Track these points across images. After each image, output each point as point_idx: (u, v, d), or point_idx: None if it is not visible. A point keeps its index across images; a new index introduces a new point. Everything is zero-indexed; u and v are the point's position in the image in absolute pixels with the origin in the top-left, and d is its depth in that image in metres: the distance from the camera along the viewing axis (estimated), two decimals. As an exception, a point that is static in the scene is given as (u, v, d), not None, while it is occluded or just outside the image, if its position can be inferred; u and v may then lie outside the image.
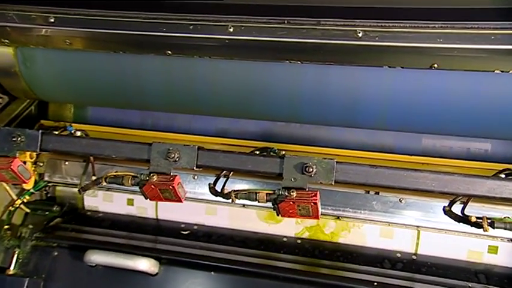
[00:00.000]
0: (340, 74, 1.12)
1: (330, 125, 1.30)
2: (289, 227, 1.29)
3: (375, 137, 1.32)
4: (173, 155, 1.02)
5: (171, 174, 1.04)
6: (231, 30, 1.06)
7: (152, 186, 1.03)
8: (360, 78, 1.12)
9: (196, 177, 1.31)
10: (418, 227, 1.28)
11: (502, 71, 1.04)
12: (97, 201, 1.39)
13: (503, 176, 0.95)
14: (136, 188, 1.05)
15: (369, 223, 1.30)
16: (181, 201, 1.04)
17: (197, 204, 1.34)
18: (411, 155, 1.30)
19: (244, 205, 1.33)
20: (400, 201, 1.30)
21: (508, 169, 0.96)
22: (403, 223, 1.28)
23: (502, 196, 0.88)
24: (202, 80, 1.17)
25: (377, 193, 1.30)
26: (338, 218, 1.31)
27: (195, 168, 1.04)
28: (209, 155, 1.04)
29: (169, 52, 1.14)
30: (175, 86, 1.19)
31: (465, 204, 0.96)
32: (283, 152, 1.05)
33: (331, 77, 1.13)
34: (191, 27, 1.07)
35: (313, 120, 1.25)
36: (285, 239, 1.28)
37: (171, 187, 1.01)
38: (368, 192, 1.29)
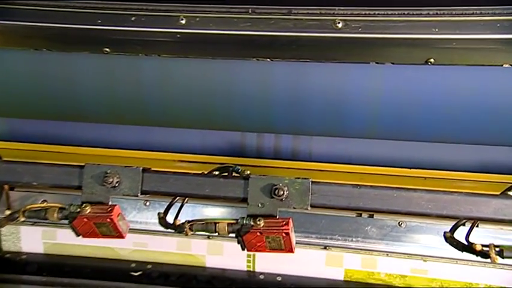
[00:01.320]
0: (319, 73, 1.12)
1: (310, 134, 1.30)
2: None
3: (365, 148, 1.32)
4: (111, 180, 0.98)
5: (109, 203, 1.00)
6: (183, 22, 1.05)
7: (85, 220, 0.98)
8: (342, 77, 1.12)
9: (148, 203, 1.31)
10: (423, 256, 1.28)
11: (511, 65, 1.05)
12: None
13: (511, 193, 0.93)
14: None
15: (363, 253, 1.30)
16: (122, 237, 1.00)
17: (151, 238, 1.33)
18: (408, 167, 1.30)
19: (209, 236, 1.32)
20: (400, 225, 1.30)
21: (515, 185, 0.96)
22: (404, 252, 1.28)
23: (510, 218, 0.87)
24: (150, 83, 1.15)
25: (371, 216, 1.30)
26: (325, 248, 1.31)
27: (139, 195, 1.00)
28: (157, 178, 1.00)
29: (108, 50, 1.11)
30: (116, 91, 1.16)
31: (470, 228, 0.95)
32: (248, 172, 1.02)
33: (308, 77, 1.12)
34: (133, 18, 1.05)
35: (289, 129, 1.23)
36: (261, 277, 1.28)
37: (108, 220, 0.98)
38: (360, 215, 1.31)
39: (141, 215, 1.30)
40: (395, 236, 1.27)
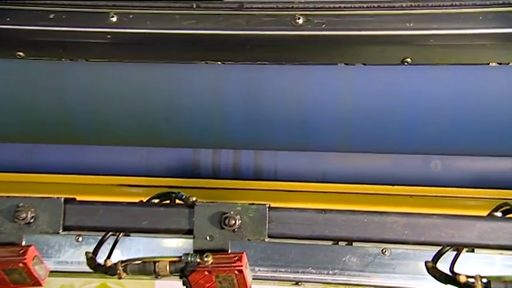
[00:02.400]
0: (280, 77, 1.12)
1: (274, 149, 1.30)
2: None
3: (339, 162, 1.33)
4: (25, 215, 0.94)
5: (23, 243, 0.96)
6: (114, 20, 1.03)
7: (-10, 267, 0.94)
8: (307, 81, 1.12)
9: (80, 238, 1.26)
10: (412, 288, 1.31)
11: (500, 64, 1.08)
12: None
13: (499, 214, 0.94)
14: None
15: (341, 288, 1.31)
16: (40, 285, 0.95)
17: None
18: (391, 184, 1.32)
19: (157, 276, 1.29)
20: (384, 253, 1.29)
21: (507, 204, 0.96)
22: (390, 285, 1.26)
23: (498, 243, 0.87)
24: (78, 93, 1.13)
25: (350, 243, 1.29)
26: (297, 283, 1.29)
27: (60, 232, 0.97)
28: (83, 210, 0.97)
29: (21, 54, 1.09)
30: (35, 103, 1.13)
31: (456, 256, 0.94)
32: (194, 198, 1.01)
33: (267, 82, 1.12)
34: (52, 16, 1.03)
35: (250, 143, 1.23)
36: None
37: (21, 265, 0.92)
38: (337, 243, 1.29)
39: (72, 254, 1.26)
40: (379, 266, 1.25)
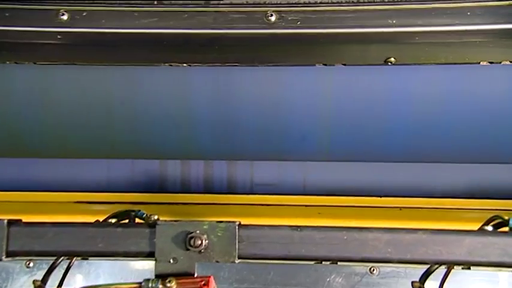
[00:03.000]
0: (252, 80, 1.13)
1: (249, 159, 1.31)
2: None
3: (321, 173, 1.35)
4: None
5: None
6: (65, 18, 1.01)
7: None
8: (282, 85, 1.13)
9: (31, 263, 1.22)
10: (405, 312, 1.31)
11: (491, 63, 1.09)
12: None
13: (490, 228, 0.93)
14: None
15: (326, 312, 1.30)
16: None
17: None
18: (379, 196, 1.34)
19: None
20: (372, 272, 1.28)
21: (498, 216, 0.95)
22: (380, 308, 1.30)
23: (489, 260, 0.86)
24: (24, 99, 1.11)
25: (334, 262, 1.30)
26: (277, 307, 1.30)
27: (3, 258, 0.94)
28: (30, 232, 0.94)
29: (-40, 57, 1.09)
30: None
31: (445, 276, 0.92)
32: (156, 217, 0.98)
33: (237, 86, 1.13)
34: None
35: (223, 153, 1.24)
36: None
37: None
38: (320, 262, 1.30)
39: (24, 282, 1.21)
40: (367, 286, 1.23)
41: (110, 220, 1.02)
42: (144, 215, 1.00)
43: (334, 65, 1.11)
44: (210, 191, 1.35)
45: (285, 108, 1.14)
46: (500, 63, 1.09)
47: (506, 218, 0.92)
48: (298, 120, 1.15)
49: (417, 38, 1.03)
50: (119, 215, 1.03)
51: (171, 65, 1.11)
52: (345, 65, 1.10)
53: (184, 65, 1.11)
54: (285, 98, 1.14)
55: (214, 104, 1.14)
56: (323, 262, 1.26)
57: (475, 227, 0.99)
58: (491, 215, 0.98)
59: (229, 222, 0.94)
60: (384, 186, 1.36)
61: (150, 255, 0.94)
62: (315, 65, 1.11)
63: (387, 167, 1.34)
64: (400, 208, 1.34)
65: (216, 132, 1.17)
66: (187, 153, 1.25)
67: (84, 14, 1.02)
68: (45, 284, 0.98)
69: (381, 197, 1.34)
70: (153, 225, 0.95)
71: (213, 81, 1.13)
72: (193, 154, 1.25)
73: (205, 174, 1.37)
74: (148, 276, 0.96)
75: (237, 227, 0.94)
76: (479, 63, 1.09)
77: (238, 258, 0.93)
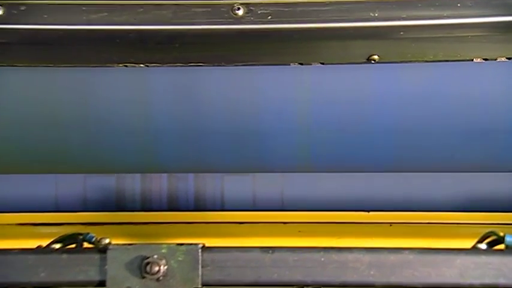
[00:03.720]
0: (219, 82, 1.13)
1: (219, 171, 1.30)
2: None
3: (300, 185, 1.34)
4: None
5: None
6: (1, 13, 0.98)
7: None
8: (254, 86, 1.13)
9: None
10: None
11: (486, 59, 1.10)
12: None
13: (484, 246, 0.94)
14: None
15: None
16: None
17: None
18: (366, 210, 1.34)
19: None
20: (359, 296, 1.30)
21: (493, 233, 0.95)
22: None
23: (483, 282, 0.86)
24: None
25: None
26: None
27: None
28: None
29: None
30: None
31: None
32: (108, 241, 0.97)
33: (203, 89, 1.13)
34: None
35: (188, 165, 1.24)
36: None
37: None
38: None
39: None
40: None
41: (53, 245, 1.00)
42: (94, 239, 0.99)
43: (311, 64, 1.11)
44: (175, 208, 1.34)
45: (258, 114, 1.14)
46: (495, 60, 1.10)
47: (502, 234, 0.92)
48: (274, 127, 1.15)
49: (402, 33, 1.03)
50: (64, 240, 1.02)
51: (126, 66, 1.10)
52: (323, 64, 1.11)
53: (142, 65, 1.10)
54: (257, 102, 1.14)
55: (178, 109, 1.14)
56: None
57: (471, 243, 1.00)
58: (489, 230, 0.98)
59: (191, 244, 0.93)
60: (372, 199, 1.36)
61: (100, 284, 0.92)
62: (289, 64, 1.11)
63: (375, 178, 1.35)
64: (390, 224, 1.34)
65: (180, 141, 1.17)
66: (148, 166, 1.25)
67: (22, 8, 1.00)
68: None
69: (368, 211, 1.34)
70: (103, 250, 0.93)
71: (175, 83, 1.13)
72: (155, 167, 1.25)
73: (169, 189, 1.36)
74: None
75: (200, 250, 0.92)
76: (472, 60, 1.10)
77: (202, 285, 0.92)
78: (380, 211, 1.35)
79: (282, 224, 1.34)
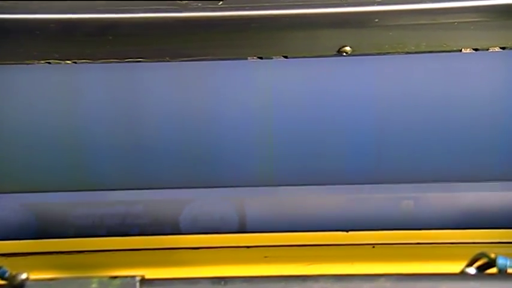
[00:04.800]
0: (163, 81, 1.14)
1: (161, 186, 1.28)
2: None
3: (263, 201, 1.33)
4: None
5: None
6: None
7: None
8: (205, 85, 1.15)
9: None
10: None
11: (477, 50, 1.11)
12: None
13: (473, 270, 0.95)
14: None
15: None
16: None
17: None
18: (344, 230, 1.34)
19: None
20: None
21: (483, 255, 0.95)
22: None
23: (473, 312, 0.90)
24: None
25: None
26: None
27: None
28: None
29: None
30: None
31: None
32: (24, 276, 0.92)
33: (142, 89, 1.14)
34: None
35: (124, 182, 1.24)
36: None
37: None
38: None
39: None
40: None
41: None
42: (8, 274, 0.95)
43: (272, 58, 1.10)
44: (114, 233, 1.32)
45: (211, 118, 1.17)
46: (487, 50, 1.11)
47: (494, 256, 0.92)
48: (230, 133, 1.17)
49: (378, 20, 1.04)
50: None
51: (49, 63, 1.09)
52: (286, 57, 1.10)
53: (68, 62, 1.09)
54: (209, 104, 1.16)
55: (113, 116, 1.16)
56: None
57: (462, 265, 1.00)
58: (480, 251, 0.99)
59: (127, 277, 0.91)
60: (351, 217, 1.35)
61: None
62: (246, 58, 1.10)
63: (354, 191, 1.34)
64: (373, 245, 1.33)
65: (117, 152, 1.18)
66: (79, 184, 1.25)
67: None
68: None
69: (347, 231, 1.34)
70: (19, 286, 0.91)
71: (109, 82, 1.14)
72: (88, 185, 1.25)
73: (106, 210, 1.33)
74: None
75: (138, 284, 0.90)
76: (460, 50, 1.10)
77: (143, 324, 0.93)
78: (360, 230, 1.34)
79: (245, 249, 1.32)
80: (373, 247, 1.35)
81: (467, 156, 1.22)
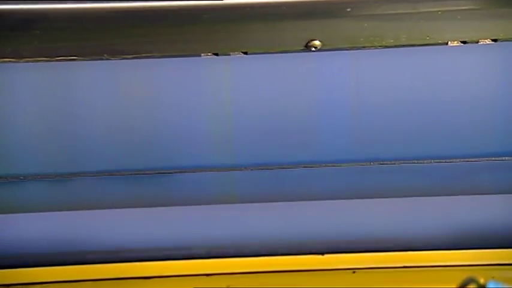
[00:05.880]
0: (96, 84, 1.15)
1: (103, 206, 1.29)
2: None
3: (224, 222, 1.35)
4: None
5: None
6: None
7: None
8: (151, 86, 1.15)
9: None
10: None
11: (465, 42, 1.13)
12: None
13: None
14: None
15: None
16: None
17: None
18: (320, 253, 1.34)
19: None
20: None
21: (472, 280, 0.95)
22: None
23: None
24: None
25: None
26: None
27: None
28: None
29: None
30: None
31: None
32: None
33: (78, 93, 1.15)
34: None
35: (56, 204, 1.25)
36: None
37: None
38: None
39: None
40: None
41: None
42: None
43: (229, 55, 1.12)
44: (47, 262, 1.33)
45: (159, 123, 1.17)
46: (477, 42, 1.13)
47: (483, 281, 0.93)
48: (185, 141, 1.18)
49: (350, 9, 1.06)
50: None
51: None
52: (246, 53, 1.12)
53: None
54: (159, 106, 1.16)
55: (44, 124, 1.16)
56: None
57: (452, 290, 1.02)
58: (468, 275, 1.00)
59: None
60: (327, 238, 1.37)
61: None
62: (200, 55, 1.12)
63: (329, 207, 1.35)
64: (354, 270, 1.35)
65: (53, 168, 1.19)
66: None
67: None
68: None
69: (323, 254, 1.35)
70: None
71: (38, 84, 1.14)
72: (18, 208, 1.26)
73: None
74: None
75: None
76: (446, 43, 1.13)
77: None
78: (338, 253, 1.35)
79: (205, 277, 1.33)
80: (354, 272, 1.36)
81: (453, 171, 1.24)
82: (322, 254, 1.34)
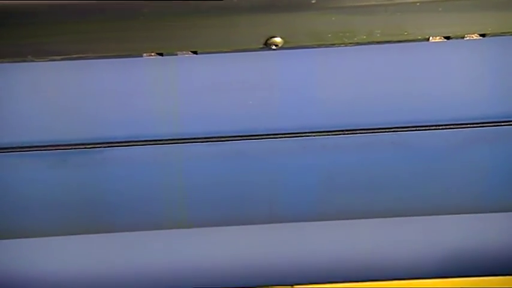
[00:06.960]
0: (32, 87, 1.15)
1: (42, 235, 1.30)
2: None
3: (186, 248, 1.36)
4: None
5: None
6: None
7: None
8: (87, 91, 1.16)
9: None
10: None
11: (448, 38, 1.15)
12: None
13: None
14: None
15: None
16: None
17: None
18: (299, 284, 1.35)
19: None
20: None
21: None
22: None
23: None
24: None
25: None
26: None
27: None
28: None
29: None
30: None
31: None
32: None
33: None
34: None
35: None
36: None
37: None
38: None
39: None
40: None
41: None
42: None
43: (176, 55, 1.13)
44: None
45: (102, 131, 1.18)
46: (462, 38, 1.15)
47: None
48: (124, 164, 1.20)
49: (315, 2, 1.06)
50: None
51: None
52: (195, 53, 1.13)
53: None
54: (94, 116, 1.17)
55: None
56: None
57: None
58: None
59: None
60: (296, 266, 1.40)
61: None
62: (141, 55, 1.13)
63: (295, 229, 1.38)
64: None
65: None
66: None
67: None
68: None
69: (292, 286, 1.36)
70: None
71: None
72: None
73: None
74: None
75: None
76: (428, 39, 1.14)
77: None
78: (308, 284, 1.37)
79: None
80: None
81: (444, 181, 1.26)
82: (292, 285, 1.36)
